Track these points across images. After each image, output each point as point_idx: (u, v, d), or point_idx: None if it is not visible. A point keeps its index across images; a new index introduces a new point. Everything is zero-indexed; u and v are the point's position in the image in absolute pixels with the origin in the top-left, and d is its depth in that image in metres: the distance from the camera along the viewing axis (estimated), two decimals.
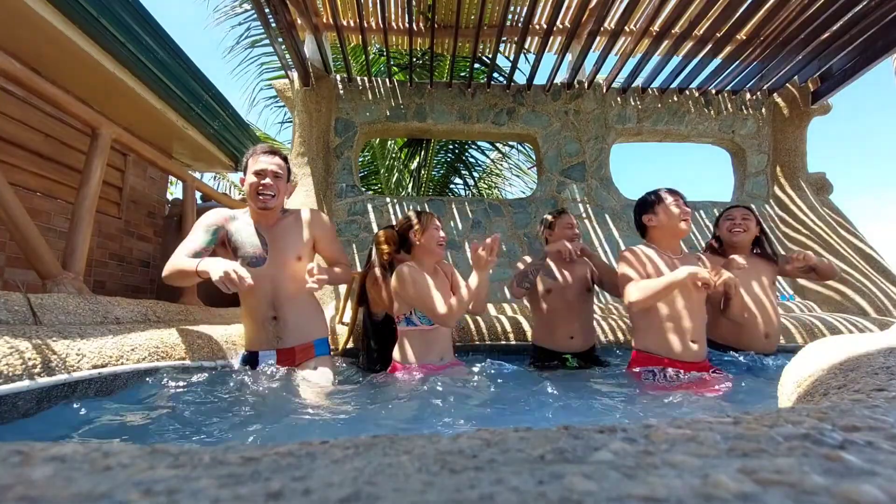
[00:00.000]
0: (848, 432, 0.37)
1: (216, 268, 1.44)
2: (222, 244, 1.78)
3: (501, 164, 7.63)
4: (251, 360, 1.77)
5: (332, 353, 2.07)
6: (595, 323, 2.64)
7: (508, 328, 2.87)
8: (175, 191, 6.70)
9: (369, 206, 4.08)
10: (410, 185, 7.10)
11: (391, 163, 6.80)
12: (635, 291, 1.80)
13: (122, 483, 0.27)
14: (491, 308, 3.24)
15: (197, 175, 4.68)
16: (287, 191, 1.87)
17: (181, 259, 1.60)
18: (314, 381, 1.68)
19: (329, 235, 1.93)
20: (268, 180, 1.74)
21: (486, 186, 7.61)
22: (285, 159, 1.86)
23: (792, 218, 4.16)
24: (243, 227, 1.79)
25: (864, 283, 3.71)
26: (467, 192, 7.58)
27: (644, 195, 2.06)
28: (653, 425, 0.39)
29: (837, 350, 0.93)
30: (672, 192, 1.99)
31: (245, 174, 1.79)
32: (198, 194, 3.33)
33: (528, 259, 2.38)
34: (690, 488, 0.26)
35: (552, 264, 2.36)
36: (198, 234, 1.72)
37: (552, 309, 2.30)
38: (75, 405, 1.20)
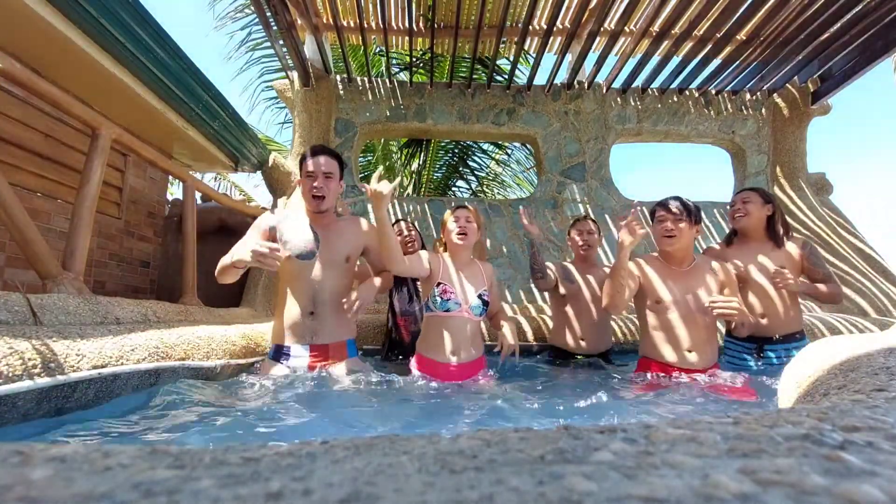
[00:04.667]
0: (848, 432, 0.36)
1: (244, 251, 1.53)
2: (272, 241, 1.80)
3: (504, 172, 7.61)
4: (280, 354, 1.76)
5: None
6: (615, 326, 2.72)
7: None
8: (175, 191, 6.70)
9: (369, 207, 4.08)
10: (411, 187, 7.10)
11: (391, 163, 6.80)
12: (606, 292, 1.92)
13: (122, 483, 0.27)
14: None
15: (197, 175, 4.69)
16: (339, 190, 1.89)
17: (223, 259, 1.72)
18: (347, 382, 1.68)
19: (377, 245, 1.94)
20: (318, 182, 1.78)
21: (489, 193, 7.59)
22: (338, 157, 1.86)
23: (792, 218, 4.16)
24: (296, 223, 1.80)
25: (864, 283, 3.71)
26: (469, 195, 7.58)
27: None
28: (653, 425, 0.39)
29: (837, 350, 0.93)
30: (664, 205, 1.92)
31: (301, 173, 1.83)
32: (198, 194, 3.33)
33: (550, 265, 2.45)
34: (690, 488, 0.26)
35: (572, 268, 2.43)
36: (250, 237, 1.78)
37: (568, 311, 2.36)
38: (77, 406, 1.20)
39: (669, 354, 1.84)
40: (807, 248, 2.13)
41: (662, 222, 1.89)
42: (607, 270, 2.43)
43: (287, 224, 1.80)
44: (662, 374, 1.83)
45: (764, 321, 2.10)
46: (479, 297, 1.89)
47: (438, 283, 1.87)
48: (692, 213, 1.88)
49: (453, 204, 4.21)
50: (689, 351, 1.82)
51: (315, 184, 1.77)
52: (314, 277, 1.77)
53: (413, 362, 1.93)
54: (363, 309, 1.72)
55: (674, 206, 1.88)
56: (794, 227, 4.13)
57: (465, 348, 1.86)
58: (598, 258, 3.94)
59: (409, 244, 2.48)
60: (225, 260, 1.68)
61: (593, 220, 2.48)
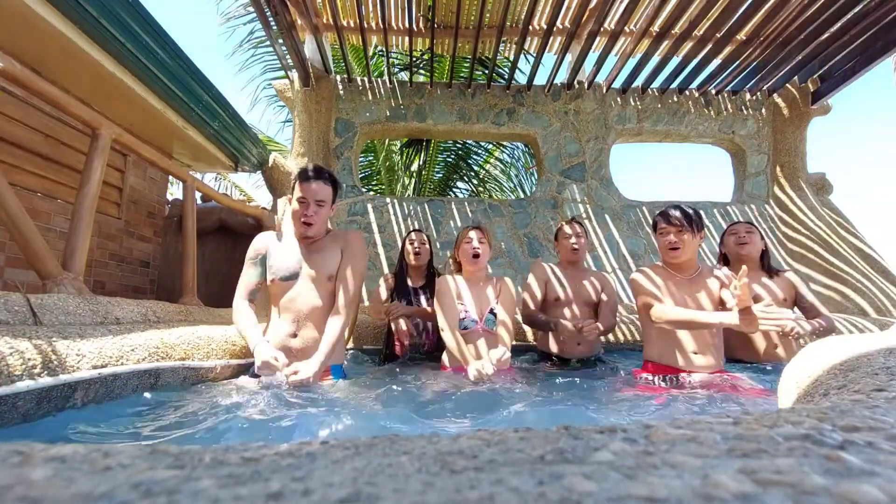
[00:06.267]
0: (848, 432, 0.36)
1: (258, 356, 1.62)
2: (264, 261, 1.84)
3: (504, 173, 7.59)
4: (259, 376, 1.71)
5: None
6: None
7: None
8: (175, 191, 6.69)
9: (369, 207, 4.08)
10: (411, 188, 7.10)
11: (392, 163, 6.81)
12: (663, 313, 1.78)
13: (122, 483, 0.27)
14: None
15: (197, 175, 4.69)
16: (330, 214, 1.86)
17: (245, 320, 1.77)
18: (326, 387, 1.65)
19: (350, 258, 1.81)
20: (309, 210, 1.75)
21: (488, 196, 7.59)
22: (332, 181, 1.82)
23: (792, 218, 4.16)
24: (285, 244, 1.82)
25: (864, 283, 3.71)
26: (469, 195, 7.57)
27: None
28: (653, 425, 0.39)
29: (837, 350, 0.93)
30: (666, 217, 1.86)
31: (292, 193, 1.79)
32: (198, 194, 3.33)
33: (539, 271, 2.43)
34: (690, 488, 0.26)
35: (561, 274, 2.41)
36: (248, 270, 1.85)
37: (561, 316, 2.32)
38: (76, 406, 1.20)
39: (674, 359, 1.82)
40: (796, 278, 2.29)
41: (665, 235, 1.86)
42: (607, 275, 2.44)
43: (276, 246, 1.82)
44: (666, 377, 1.81)
45: (776, 350, 2.17)
46: (491, 311, 2.00)
47: (459, 304, 2.00)
48: (694, 221, 1.83)
49: (453, 205, 4.23)
50: (695, 354, 1.80)
51: (306, 211, 1.74)
52: (297, 298, 1.75)
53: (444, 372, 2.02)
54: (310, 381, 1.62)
55: (675, 217, 1.83)
56: (794, 227, 4.14)
57: (487, 356, 1.95)
58: (595, 261, 3.96)
59: (418, 256, 2.52)
60: (247, 334, 1.73)
61: (579, 223, 2.45)
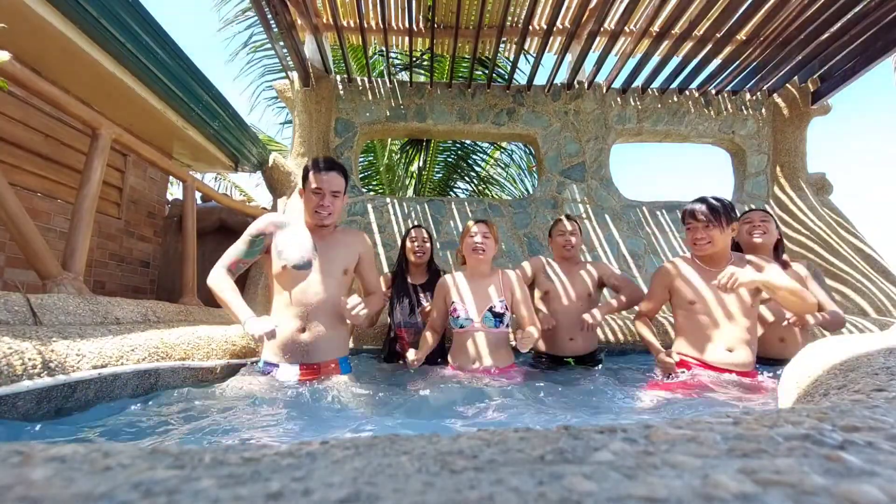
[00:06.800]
0: (848, 432, 0.36)
1: (253, 330, 1.54)
2: (267, 251, 1.77)
3: (503, 172, 7.58)
4: (269, 372, 1.71)
5: None
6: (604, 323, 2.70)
7: None
8: (175, 191, 6.69)
9: (369, 207, 4.08)
10: (411, 188, 7.10)
11: (392, 163, 6.81)
12: (636, 323, 2.08)
13: (122, 483, 0.27)
14: None
15: (197, 175, 4.69)
16: (343, 205, 1.85)
17: (227, 288, 1.68)
18: (333, 386, 1.65)
19: (370, 259, 1.94)
20: (325, 201, 1.73)
21: (488, 195, 7.59)
22: (345, 173, 1.82)
23: (792, 218, 4.16)
24: (294, 234, 1.77)
25: (864, 283, 3.71)
26: (469, 195, 7.56)
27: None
28: (653, 425, 0.39)
29: (837, 350, 0.93)
30: (692, 212, 1.82)
31: (304, 185, 1.78)
32: (198, 194, 3.33)
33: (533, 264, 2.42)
34: (690, 488, 0.26)
35: (554, 266, 2.39)
36: (239, 245, 1.75)
37: (554, 312, 2.31)
38: (77, 406, 1.20)
39: (705, 353, 1.80)
40: (811, 270, 2.21)
41: (693, 231, 1.82)
42: (608, 266, 2.43)
43: (285, 233, 1.76)
44: (695, 371, 1.78)
45: (783, 343, 2.14)
46: (490, 310, 1.97)
47: (451, 303, 2.03)
48: (722, 213, 1.78)
49: (453, 205, 4.23)
50: (729, 350, 1.77)
51: (322, 202, 1.73)
52: (308, 289, 1.70)
53: (447, 369, 2.06)
54: (358, 319, 1.65)
55: (701, 212, 1.79)
56: (795, 227, 4.13)
57: (486, 358, 1.95)
58: (595, 255, 3.96)
59: (419, 255, 2.49)
60: (233, 305, 1.64)
61: (573, 219, 2.43)
